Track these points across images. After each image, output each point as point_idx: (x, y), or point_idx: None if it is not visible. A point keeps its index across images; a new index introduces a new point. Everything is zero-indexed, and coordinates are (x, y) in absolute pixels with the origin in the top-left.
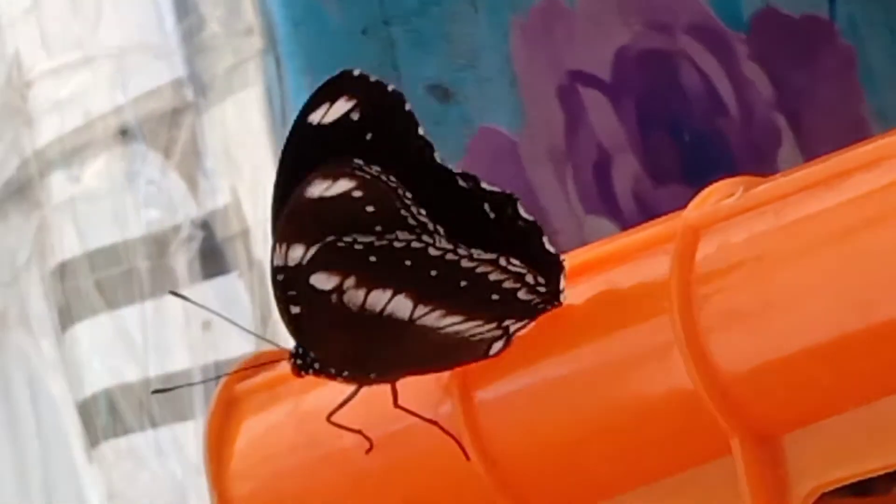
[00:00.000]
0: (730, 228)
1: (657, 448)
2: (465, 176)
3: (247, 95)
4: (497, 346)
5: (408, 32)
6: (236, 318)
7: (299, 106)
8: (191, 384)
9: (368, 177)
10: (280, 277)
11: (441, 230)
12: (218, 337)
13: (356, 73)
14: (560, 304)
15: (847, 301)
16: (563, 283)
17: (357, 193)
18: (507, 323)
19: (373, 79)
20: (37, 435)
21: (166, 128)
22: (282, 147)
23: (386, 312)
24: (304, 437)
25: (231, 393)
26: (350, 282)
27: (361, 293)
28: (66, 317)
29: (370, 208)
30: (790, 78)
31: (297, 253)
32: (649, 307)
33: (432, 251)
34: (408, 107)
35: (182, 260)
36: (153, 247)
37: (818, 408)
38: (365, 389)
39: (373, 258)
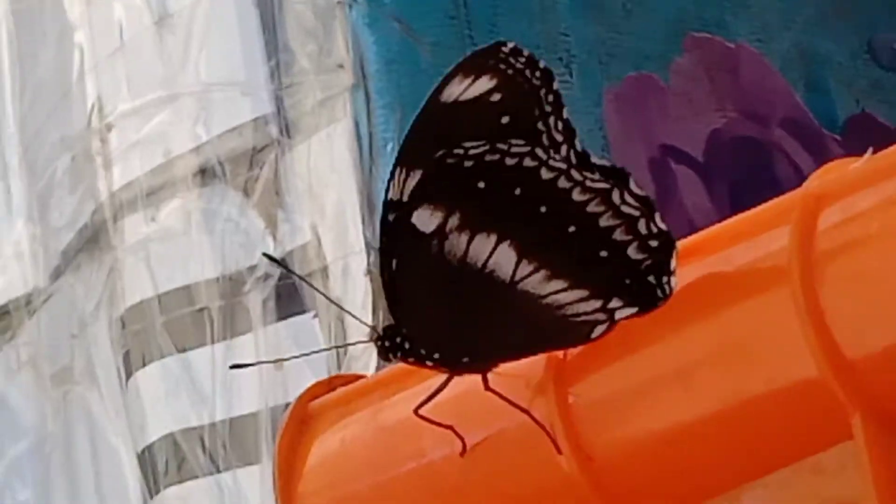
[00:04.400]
0: (854, 196)
1: (774, 434)
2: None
3: (333, 131)
4: (599, 329)
5: None
6: (310, 358)
7: (386, 141)
8: (265, 363)
9: (511, 71)
10: (391, 217)
11: (573, 156)
12: (290, 377)
13: (509, 45)
14: (670, 293)
15: None
16: (674, 263)
17: (495, 97)
18: (612, 305)
19: (526, 52)
20: (96, 490)
21: (247, 166)
22: (410, 125)
23: (488, 267)
24: (381, 453)
25: (304, 410)
26: (454, 220)
27: (464, 238)
28: (131, 362)
29: (505, 119)
30: None
31: (412, 183)
32: (767, 283)
33: (545, 173)
34: (555, 86)
35: (257, 299)
36: (227, 286)
37: None
38: (453, 387)
39: (481, 184)
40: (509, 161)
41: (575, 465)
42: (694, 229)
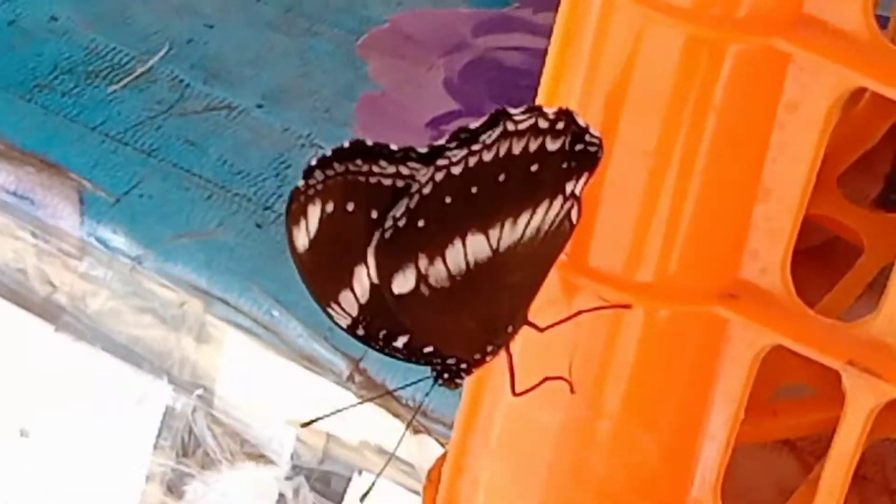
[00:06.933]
0: None
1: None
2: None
3: None
4: (575, 212)
5: None
6: None
7: None
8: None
9: (322, 186)
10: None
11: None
12: None
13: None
14: (600, 142)
15: None
16: (580, 120)
17: (329, 208)
18: (569, 189)
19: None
20: None
21: None
22: None
23: (471, 263)
24: None
25: None
26: (423, 262)
27: (440, 264)
28: None
29: (350, 207)
30: None
31: (361, 287)
32: None
33: (455, 170)
34: (370, 142)
35: None
36: None
37: None
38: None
39: (420, 223)
40: (426, 191)
41: None
42: None
